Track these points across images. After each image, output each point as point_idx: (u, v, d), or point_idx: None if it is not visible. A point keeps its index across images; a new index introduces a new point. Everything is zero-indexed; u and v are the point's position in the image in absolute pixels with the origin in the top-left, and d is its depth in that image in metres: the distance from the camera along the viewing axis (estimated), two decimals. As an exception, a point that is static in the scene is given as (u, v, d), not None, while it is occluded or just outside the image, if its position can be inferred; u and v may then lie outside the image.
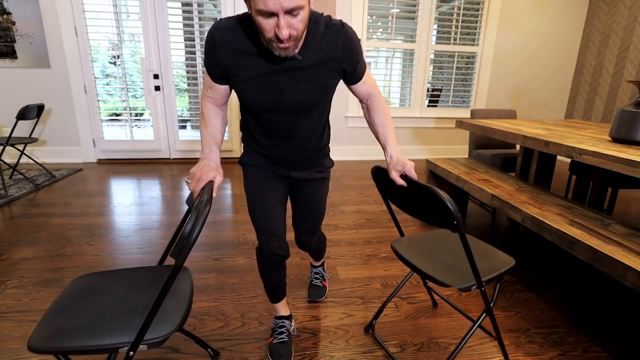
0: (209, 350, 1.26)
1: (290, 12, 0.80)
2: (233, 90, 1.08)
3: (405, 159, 1.07)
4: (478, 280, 0.99)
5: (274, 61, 0.95)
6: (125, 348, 0.80)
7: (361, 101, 1.20)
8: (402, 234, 1.33)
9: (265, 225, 1.16)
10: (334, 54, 1.00)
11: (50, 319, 0.86)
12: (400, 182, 1.06)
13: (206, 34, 0.97)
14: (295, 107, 1.04)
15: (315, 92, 1.03)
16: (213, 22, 3.87)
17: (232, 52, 0.96)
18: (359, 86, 1.13)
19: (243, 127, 1.21)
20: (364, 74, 1.11)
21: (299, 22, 0.84)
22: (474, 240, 1.28)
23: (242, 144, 1.25)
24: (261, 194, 1.18)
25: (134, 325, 0.83)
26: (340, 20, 1.00)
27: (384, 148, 1.14)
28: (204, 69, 1.05)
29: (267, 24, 0.82)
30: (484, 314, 1.11)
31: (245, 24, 0.95)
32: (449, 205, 0.87)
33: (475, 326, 1.11)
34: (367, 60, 4.23)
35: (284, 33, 0.82)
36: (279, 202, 1.22)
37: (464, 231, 0.92)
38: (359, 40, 1.06)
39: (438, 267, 1.12)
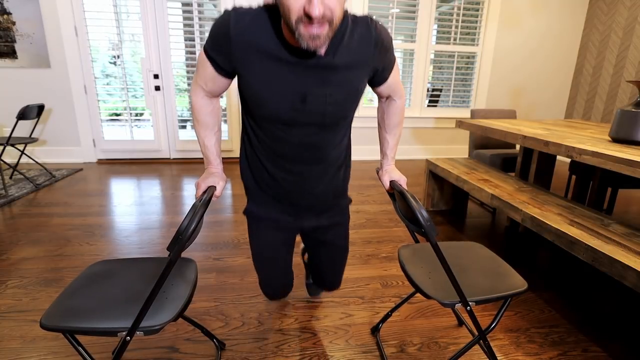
0: (214, 341, 1.26)
1: None
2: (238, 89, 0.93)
3: (400, 174, 1.10)
4: (462, 297, 0.94)
5: (298, 60, 0.80)
6: (124, 333, 0.84)
7: (380, 98, 1.08)
8: (416, 241, 1.31)
9: (271, 285, 1.10)
10: (367, 53, 0.86)
11: (62, 300, 0.91)
12: (388, 186, 1.10)
13: (217, 18, 0.81)
14: (319, 118, 0.87)
15: (343, 99, 0.87)
16: (213, 22, 3.87)
17: (247, 47, 0.80)
18: (383, 86, 1.00)
19: (247, 151, 1.00)
20: (392, 71, 0.98)
21: (335, 1, 0.69)
22: (492, 257, 1.19)
23: (243, 182, 1.03)
24: (268, 257, 1.07)
25: (135, 312, 0.85)
26: (367, 15, 0.86)
27: (382, 153, 1.17)
28: (202, 54, 0.87)
29: (294, 2, 0.67)
30: (478, 338, 1.05)
31: (265, 16, 0.80)
32: (418, 214, 0.86)
33: (469, 345, 1.08)
34: (367, 60, 4.23)
35: (318, 10, 0.66)
36: (287, 260, 1.10)
37: (435, 241, 0.88)
38: (391, 38, 0.92)
39: (434, 277, 1.08)
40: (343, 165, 1.04)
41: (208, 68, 0.88)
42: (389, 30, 4.04)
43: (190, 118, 4.10)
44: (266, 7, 0.81)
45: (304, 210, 1.02)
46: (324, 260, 1.13)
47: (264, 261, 1.08)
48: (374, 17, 0.87)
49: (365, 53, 0.86)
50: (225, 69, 0.87)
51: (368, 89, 1.05)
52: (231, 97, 3.92)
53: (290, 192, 0.98)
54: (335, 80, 0.84)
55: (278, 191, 0.99)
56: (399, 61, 4.47)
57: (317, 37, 0.71)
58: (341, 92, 0.86)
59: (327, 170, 0.98)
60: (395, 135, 1.13)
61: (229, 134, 4.07)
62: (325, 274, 1.15)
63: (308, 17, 0.68)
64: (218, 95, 0.97)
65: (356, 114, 4.15)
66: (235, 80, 0.91)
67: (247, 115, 0.93)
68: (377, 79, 0.97)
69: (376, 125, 3.81)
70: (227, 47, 0.81)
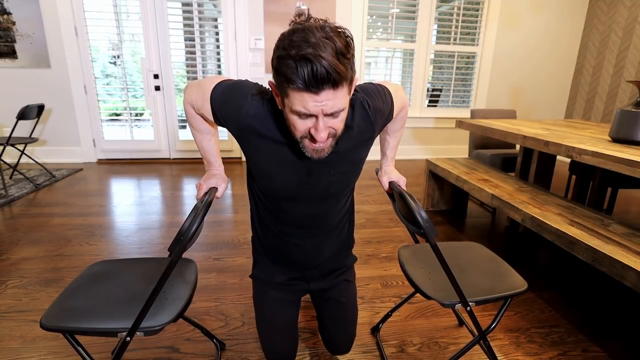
0: (214, 341, 1.27)
1: (331, 114, 0.70)
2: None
3: (399, 174, 1.11)
4: (462, 298, 0.94)
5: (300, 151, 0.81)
6: (124, 333, 0.84)
7: None
8: (416, 241, 1.31)
9: (276, 350, 1.07)
10: (368, 131, 0.89)
11: (62, 300, 0.91)
12: (387, 186, 1.10)
13: (234, 87, 0.83)
14: (323, 190, 0.90)
15: (346, 170, 0.90)
16: (213, 22, 3.89)
17: (254, 133, 0.83)
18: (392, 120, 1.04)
19: (254, 218, 1.03)
20: (394, 111, 0.99)
21: (340, 122, 0.73)
22: (492, 257, 1.19)
23: (253, 245, 1.08)
24: (274, 319, 1.05)
25: (135, 312, 0.85)
26: (357, 96, 0.87)
27: (382, 153, 1.17)
28: (208, 93, 0.85)
29: (301, 124, 0.71)
30: (478, 338, 1.05)
31: (274, 111, 0.81)
32: (417, 215, 0.87)
33: (470, 346, 1.07)
34: (367, 60, 4.24)
35: (322, 135, 0.71)
36: (292, 325, 1.09)
37: (434, 241, 0.88)
38: (381, 89, 0.93)
39: (434, 278, 1.07)
40: (346, 225, 1.07)
41: (207, 111, 0.88)
42: (389, 30, 4.04)
43: (190, 118, 4.10)
44: (273, 100, 0.82)
45: (311, 273, 1.05)
46: (332, 319, 1.11)
47: (270, 325, 1.06)
48: (361, 94, 0.88)
49: (368, 133, 0.90)
50: (223, 126, 0.89)
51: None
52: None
53: (297, 260, 1.01)
54: (340, 159, 0.87)
55: (285, 259, 1.02)
56: (399, 61, 4.48)
57: (320, 150, 0.75)
58: (344, 165, 0.89)
59: (331, 234, 1.01)
60: (396, 137, 1.14)
61: (229, 134, 4.06)
62: (335, 333, 1.11)
63: (313, 140, 0.73)
64: None
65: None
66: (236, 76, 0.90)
67: (254, 187, 0.96)
68: (386, 124, 1.01)
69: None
70: (234, 123, 0.84)
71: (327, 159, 0.82)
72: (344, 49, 0.65)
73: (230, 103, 0.83)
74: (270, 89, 0.80)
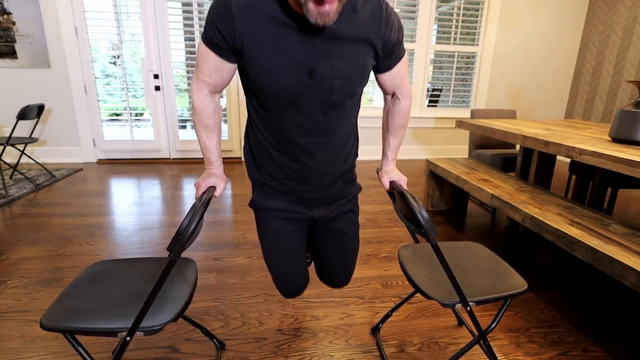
0: (214, 341, 1.27)
1: None
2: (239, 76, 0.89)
3: (400, 174, 1.10)
4: (462, 297, 0.94)
5: (304, 32, 0.77)
6: (123, 333, 0.84)
7: (385, 94, 1.05)
8: (416, 241, 1.31)
9: (286, 281, 1.07)
10: (375, 30, 0.83)
11: (62, 300, 0.91)
12: (388, 187, 1.10)
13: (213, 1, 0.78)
14: (326, 95, 0.84)
15: (351, 73, 0.84)
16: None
17: (250, 16, 0.76)
18: (387, 76, 0.96)
19: (252, 143, 0.97)
20: (398, 62, 0.94)
21: None
22: (492, 257, 1.19)
23: (248, 171, 1.01)
24: (280, 250, 1.03)
25: (135, 312, 0.85)
26: None
27: (383, 153, 1.17)
28: (201, 46, 0.83)
29: None
30: (478, 338, 1.05)
31: None
32: (418, 214, 0.86)
33: (470, 346, 1.08)
34: (367, 60, 4.23)
35: None
36: (300, 253, 1.06)
37: (435, 241, 0.88)
38: (402, 26, 0.89)
39: (434, 277, 1.08)
40: (351, 148, 1.00)
41: (210, 57, 0.83)
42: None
43: (190, 118, 4.10)
44: None
45: (313, 199, 0.99)
46: (332, 251, 1.08)
47: (276, 255, 1.03)
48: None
49: (373, 29, 0.83)
50: (228, 51, 0.82)
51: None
52: (231, 96, 3.91)
53: (299, 180, 0.94)
54: (343, 52, 0.81)
55: (286, 181, 0.95)
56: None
57: (326, 14, 0.69)
58: (349, 66, 0.83)
59: (335, 153, 0.94)
60: (398, 137, 1.13)
61: (229, 134, 4.07)
62: (334, 266, 1.09)
63: None
64: (222, 88, 0.93)
65: (356, 114, 4.14)
66: (237, 77, 0.88)
67: (252, 99, 0.89)
68: (382, 64, 0.93)
69: (377, 125, 3.81)
70: (229, 24, 0.77)
71: (330, 51, 0.79)
72: None
73: (217, 13, 0.78)
74: None
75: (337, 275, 1.13)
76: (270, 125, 0.89)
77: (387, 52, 0.90)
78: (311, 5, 0.68)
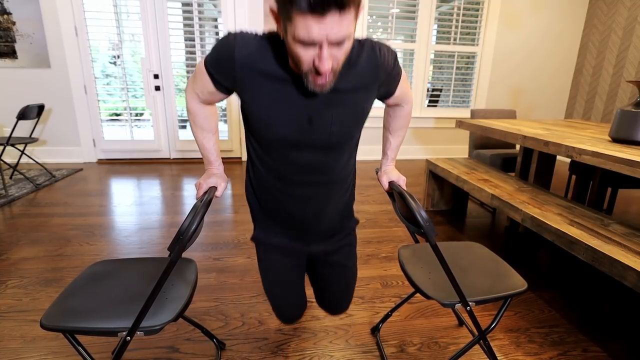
0: (214, 341, 1.27)
1: (336, 43, 0.68)
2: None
3: (399, 174, 1.11)
4: (462, 297, 0.94)
5: (302, 87, 0.80)
6: (124, 333, 0.84)
7: (387, 105, 1.09)
8: (416, 241, 1.31)
9: (285, 311, 1.09)
10: (373, 76, 0.87)
11: (62, 300, 0.91)
12: (387, 187, 1.10)
13: (222, 37, 0.81)
14: (325, 140, 0.86)
15: (349, 119, 0.87)
16: (213, 22, 3.89)
17: (252, 70, 0.80)
18: (391, 99, 1.01)
19: (252, 178, 0.99)
20: (398, 84, 0.97)
21: (343, 54, 0.71)
22: (492, 257, 1.19)
23: (250, 208, 1.04)
24: (279, 283, 1.05)
25: (135, 312, 0.85)
26: (370, 39, 0.87)
27: (383, 153, 1.17)
28: (201, 66, 0.86)
29: (305, 54, 0.69)
30: (478, 338, 1.05)
31: (270, 43, 0.79)
32: (417, 215, 0.87)
33: (470, 346, 1.08)
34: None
35: (326, 66, 0.69)
36: (299, 285, 1.09)
37: (434, 241, 0.88)
38: (396, 54, 0.92)
39: (434, 277, 1.08)
40: (349, 187, 1.03)
41: (207, 82, 0.86)
42: (389, 30, 4.04)
43: (190, 118, 4.10)
44: (270, 35, 0.80)
45: (312, 234, 1.02)
46: (332, 282, 1.10)
47: (275, 287, 1.06)
48: (376, 40, 0.88)
49: (371, 76, 0.86)
50: (225, 87, 0.86)
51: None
52: (231, 96, 3.91)
53: (297, 217, 0.97)
54: (342, 101, 0.84)
55: (285, 217, 0.98)
56: (399, 61, 4.47)
57: (323, 85, 0.74)
58: (347, 113, 0.86)
59: (334, 193, 0.97)
60: (398, 137, 1.13)
61: (229, 134, 4.07)
62: (333, 295, 1.12)
63: (317, 70, 0.70)
64: (214, 104, 0.97)
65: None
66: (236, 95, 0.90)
67: (252, 139, 0.92)
68: (385, 95, 0.97)
69: (377, 125, 3.82)
70: (230, 68, 0.80)
71: (328, 101, 0.81)
72: None
73: (221, 53, 0.80)
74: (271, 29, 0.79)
75: (336, 304, 1.15)
76: (270, 165, 0.91)
77: (386, 85, 0.93)
78: (310, 78, 0.73)
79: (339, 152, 0.91)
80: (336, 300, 1.13)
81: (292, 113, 0.82)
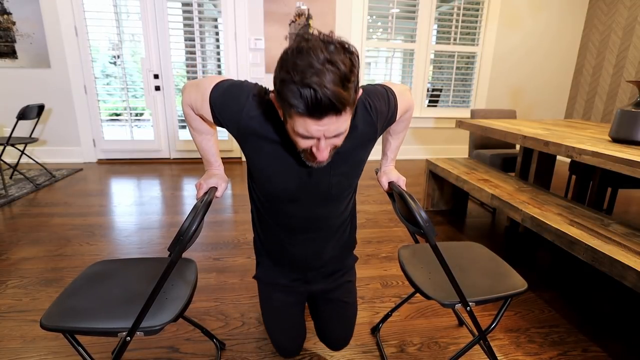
0: (214, 341, 1.27)
1: (334, 136, 0.71)
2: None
3: (398, 174, 1.12)
4: (462, 298, 0.94)
5: None
6: (124, 333, 0.84)
7: None
8: (416, 241, 1.31)
9: (284, 346, 1.10)
10: (370, 132, 0.89)
11: (62, 300, 0.91)
12: (386, 187, 1.11)
13: (236, 86, 0.83)
14: (324, 191, 0.89)
15: (348, 171, 0.90)
16: (213, 22, 3.89)
17: (254, 135, 0.83)
18: (393, 126, 1.05)
19: (256, 220, 1.03)
20: (397, 112, 0.98)
21: (341, 141, 0.75)
22: (492, 257, 1.19)
23: (254, 247, 1.09)
24: (279, 320, 1.07)
25: (135, 312, 0.85)
26: (360, 96, 0.85)
27: (383, 153, 1.17)
28: (207, 95, 0.85)
29: (304, 144, 0.73)
30: (478, 338, 1.05)
31: (274, 112, 0.80)
32: (417, 215, 0.87)
33: (470, 346, 1.08)
34: (367, 60, 4.23)
35: (324, 155, 0.72)
36: (299, 322, 1.11)
37: (434, 242, 0.89)
38: (384, 90, 0.93)
39: (434, 278, 1.07)
40: (348, 228, 1.06)
41: (207, 111, 0.87)
42: (389, 30, 4.04)
43: (190, 118, 4.10)
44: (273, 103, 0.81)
45: (312, 274, 1.05)
46: (333, 318, 1.11)
47: (275, 324, 1.08)
48: (364, 95, 0.87)
49: (369, 134, 0.89)
50: (222, 125, 0.88)
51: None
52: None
53: (298, 258, 1.00)
54: (341, 160, 0.87)
55: (287, 259, 1.01)
56: (399, 61, 4.48)
57: (321, 163, 0.77)
58: (346, 165, 0.89)
59: (333, 236, 1.00)
60: (399, 138, 1.14)
61: (229, 134, 4.06)
62: (334, 331, 1.12)
63: (314, 157, 0.73)
64: None
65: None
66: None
67: (255, 189, 0.95)
68: (388, 127, 1.00)
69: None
70: (234, 124, 0.83)
71: (328, 162, 0.82)
72: (348, 72, 0.65)
73: (230, 104, 0.83)
74: (269, 96, 0.80)
75: (337, 339, 1.15)
76: (271, 213, 0.95)
77: (387, 126, 0.96)
78: (307, 157, 0.76)
79: (338, 202, 0.95)
80: (337, 336, 1.13)
81: (291, 169, 0.85)
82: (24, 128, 3.66)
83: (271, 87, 0.77)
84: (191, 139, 4.03)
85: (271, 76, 0.73)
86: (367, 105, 0.88)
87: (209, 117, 0.88)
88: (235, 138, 0.87)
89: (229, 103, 0.83)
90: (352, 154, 0.89)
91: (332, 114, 0.65)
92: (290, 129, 0.72)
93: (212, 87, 0.85)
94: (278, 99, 0.70)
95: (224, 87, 0.84)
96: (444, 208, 2.74)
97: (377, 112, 0.89)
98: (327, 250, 1.02)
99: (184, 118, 3.50)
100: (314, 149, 0.72)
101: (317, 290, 1.09)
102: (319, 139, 0.70)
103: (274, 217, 0.95)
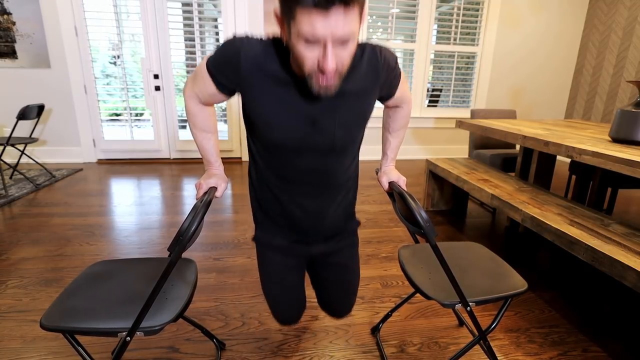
0: (214, 341, 1.27)
1: (340, 41, 0.67)
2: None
3: (399, 174, 1.11)
4: (462, 298, 0.94)
5: (307, 90, 0.79)
6: (124, 333, 0.84)
7: (387, 108, 1.09)
8: (416, 241, 1.31)
9: (283, 313, 1.09)
10: (375, 80, 0.87)
11: (62, 300, 0.91)
12: (387, 187, 1.10)
13: (227, 39, 0.80)
14: (329, 143, 0.86)
15: (352, 123, 0.88)
16: (213, 22, 3.89)
17: (256, 72, 0.79)
18: (390, 101, 1.02)
19: (254, 179, 0.98)
20: (398, 86, 0.98)
21: (348, 55, 0.71)
22: (492, 257, 1.19)
23: (252, 208, 1.03)
24: (278, 284, 1.05)
25: (135, 312, 0.85)
26: (370, 43, 0.87)
27: (383, 153, 1.17)
28: (203, 68, 0.85)
29: (309, 54, 0.68)
30: (478, 338, 1.05)
31: (275, 48, 0.79)
32: (417, 215, 0.87)
33: (470, 346, 1.08)
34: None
35: (331, 64, 0.67)
36: (298, 287, 1.08)
37: (434, 242, 0.88)
38: (396, 56, 0.93)
39: (434, 278, 1.07)
40: (351, 189, 1.03)
41: (208, 84, 0.86)
42: (389, 30, 4.04)
43: (190, 118, 4.09)
44: (274, 39, 0.80)
45: (313, 236, 1.02)
46: (333, 283, 1.09)
47: (274, 288, 1.06)
48: (375, 43, 0.88)
49: (373, 79, 0.87)
50: (227, 88, 0.85)
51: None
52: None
53: (299, 218, 0.97)
54: (345, 105, 0.84)
55: (286, 219, 0.98)
56: (399, 61, 4.47)
57: (328, 88, 0.73)
58: (350, 115, 0.86)
59: (336, 195, 0.97)
60: (398, 137, 1.14)
61: (229, 134, 4.07)
62: (334, 297, 1.11)
63: (321, 70, 0.70)
64: (213, 105, 0.97)
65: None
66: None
67: (254, 141, 0.92)
68: (385, 95, 0.98)
69: (377, 125, 3.81)
70: (236, 69, 0.80)
71: (332, 105, 0.81)
72: None
73: (226, 55, 0.80)
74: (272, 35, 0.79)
75: (338, 305, 1.14)
76: (273, 167, 0.91)
77: (387, 87, 0.94)
78: (314, 80, 0.72)
79: (342, 156, 0.91)
80: (338, 302, 1.12)
81: (296, 116, 0.82)
82: (24, 128, 3.66)
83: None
84: (191, 139, 4.04)
85: None
86: (377, 50, 0.86)
87: (213, 88, 0.85)
88: (239, 90, 0.83)
89: (225, 53, 0.80)
90: (356, 101, 0.86)
91: (339, 5, 0.62)
92: (294, 39, 0.68)
93: (205, 62, 0.84)
94: (282, 4, 0.68)
95: (215, 52, 0.83)
96: (444, 208, 2.74)
97: (384, 59, 0.87)
98: (329, 211, 0.98)
99: (184, 118, 3.49)
100: (321, 61, 0.68)
101: (318, 253, 1.04)
102: (325, 46, 0.66)
103: (274, 170, 0.91)
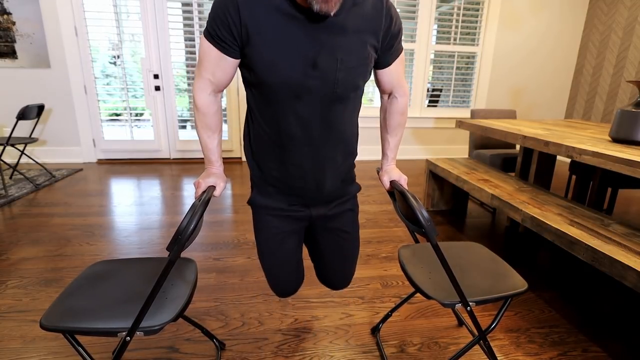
0: (214, 341, 1.27)
1: None
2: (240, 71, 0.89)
3: (400, 173, 1.10)
4: (462, 297, 0.94)
5: (308, 24, 0.78)
6: (123, 333, 0.84)
7: (382, 93, 1.06)
8: (416, 241, 1.31)
9: (280, 281, 1.07)
10: (377, 21, 0.86)
11: (62, 300, 0.91)
12: (388, 186, 1.10)
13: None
14: (330, 88, 0.84)
15: (354, 66, 0.85)
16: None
17: (255, 8, 0.78)
18: (386, 73, 0.98)
19: (252, 139, 0.96)
20: (397, 58, 0.96)
21: None
22: (492, 257, 1.19)
23: (250, 167, 0.99)
24: (275, 249, 1.02)
25: (135, 312, 0.85)
26: None
27: (383, 153, 1.17)
28: (203, 41, 0.84)
29: None
30: (478, 338, 1.05)
31: None
32: (418, 214, 0.87)
33: (470, 346, 1.08)
34: (367, 60, 4.23)
35: None
36: (296, 254, 1.06)
37: (435, 241, 0.88)
38: (401, 21, 0.92)
39: (434, 277, 1.08)
40: (353, 149, 1.01)
41: (213, 53, 0.84)
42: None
43: (190, 118, 4.10)
44: None
45: (313, 198, 0.98)
46: (332, 250, 1.06)
47: (272, 253, 1.02)
48: None
49: (375, 21, 0.86)
50: (231, 45, 0.83)
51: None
52: (231, 96, 3.91)
53: (297, 178, 0.93)
54: (346, 44, 0.83)
55: (285, 179, 0.94)
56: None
57: (328, 3, 0.72)
58: (352, 58, 0.84)
59: (335, 153, 0.94)
60: (396, 136, 1.13)
61: (229, 134, 4.07)
62: (332, 265, 1.07)
63: None
64: (224, 87, 0.93)
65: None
66: (236, 78, 0.89)
67: (254, 93, 0.89)
68: (382, 60, 0.94)
69: (377, 125, 3.82)
70: (234, 14, 0.78)
71: (333, 41, 0.81)
72: None
73: (221, 5, 0.79)
74: None
75: (336, 275, 1.12)
76: (272, 118, 0.88)
77: (386, 45, 0.92)
78: None
79: (343, 104, 0.88)
80: (336, 271, 1.09)
81: (297, 56, 0.80)
82: (24, 128, 3.66)
83: None
84: (191, 139, 4.04)
85: None
86: None
87: (218, 53, 0.84)
88: (242, 37, 0.81)
89: (221, 5, 0.79)
90: (358, 39, 0.84)
91: None
92: None
93: (202, 36, 0.85)
94: None
95: (209, 16, 0.83)
96: (444, 208, 2.74)
97: (388, 8, 0.88)
98: (329, 170, 0.95)
99: (184, 118, 3.47)
100: None
101: (317, 217, 1.01)
102: None
103: (274, 126, 0.88)
